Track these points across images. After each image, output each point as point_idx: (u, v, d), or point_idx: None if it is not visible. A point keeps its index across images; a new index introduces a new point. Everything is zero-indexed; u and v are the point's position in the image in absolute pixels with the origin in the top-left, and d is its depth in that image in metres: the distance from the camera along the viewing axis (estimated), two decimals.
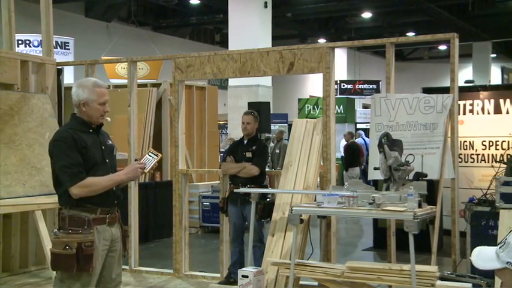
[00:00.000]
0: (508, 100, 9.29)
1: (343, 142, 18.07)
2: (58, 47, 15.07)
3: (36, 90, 9.04)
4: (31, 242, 8.87)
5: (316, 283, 7.24)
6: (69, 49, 17.83)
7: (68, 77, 11.15)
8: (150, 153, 4.75)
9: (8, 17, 9.03)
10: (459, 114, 7.94)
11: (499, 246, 2.02)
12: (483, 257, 2.05)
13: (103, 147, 4.70)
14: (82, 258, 4.41)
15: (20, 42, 12.60)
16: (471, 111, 9.51)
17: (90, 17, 23.29)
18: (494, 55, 31.23)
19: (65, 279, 4.54)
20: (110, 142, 4.85)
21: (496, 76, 30.14)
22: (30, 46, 15.01)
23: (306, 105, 19.90)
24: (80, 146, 4.50)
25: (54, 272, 4.64)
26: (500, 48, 30.57)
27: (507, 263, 1.93)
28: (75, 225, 4.50)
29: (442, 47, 30.57)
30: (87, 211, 4.52)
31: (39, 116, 8.61)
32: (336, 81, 7.05)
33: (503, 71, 29.93)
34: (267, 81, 14.16)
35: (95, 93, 4.63)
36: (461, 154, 8.66)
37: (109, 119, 4.96)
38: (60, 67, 9.76)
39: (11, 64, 8.79)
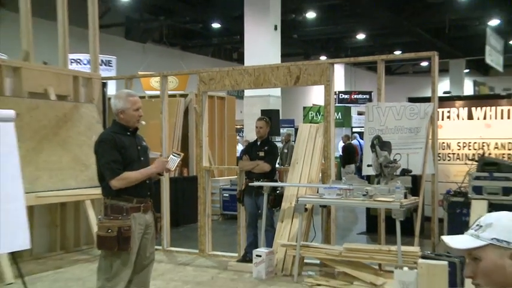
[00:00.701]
0: (478, 108, 9.34)
1: (341, 143, 18.03)
2: (103, 65, 15.10)
3: (85, 100, 9.09)
4: (82, 225, 8.96)
5: (318, 262, 7.21)
6: (112, 66, 17.90)
7: (111, 89, 11.16)
8: (173, 154, 4.83)
9: (63, 41, 9.09)
10: (438, 120, 7.89)
11: (473, 229, 1.96)
12: (459, 239, 1.99)
13: (139, 148, 4.78)
14: (121, 240, 4.49)
15: (72, 61, 12.61)
16: (448, 117, 9.51)
17: (129, 39, 23.35)
18: (467, 70, 31.26)
19: (108, 257, 4.61)
20: (144, 144, 4.92)
21: (468, 88, 30.21)
22: (80, 64, 15.11)
23: (310, 112, 19.87)
24: (119, 146, 4.59)
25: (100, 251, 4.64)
26: (472, 64, 30.61)
27: (492, 239, 1.88)
28: (116, 212, 4.59)
29: (424, 63, 30.58)
30: (124, 201, 4.59)
31: (88, 121, 8.66)
32: (335, 92, 7.02)
33: (475, 84, 30.31)
34: (276, 92, 14.11)
35: (128, 102, 4.71)
36: (440, 153, 8.61)
37: (144, 122, 4.97)
38: (104, 81, 9.82)
39: (65, 79, 8.91)
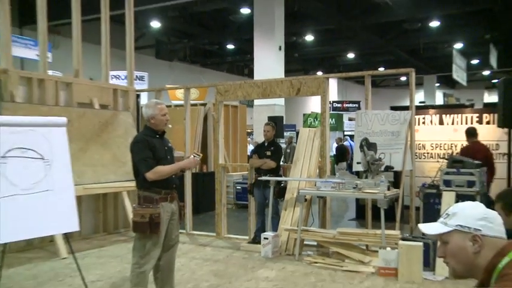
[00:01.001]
0: (448, 115, 9.42)
1: (335, 144, 17.99)
2: (137, 79, 15.14)
3: (122, 109, 9.14)
4: (120, 212, 9.04)
5: (315, 243, 7.20)
6: (144, 80, 17.95)
7: (144, 99, 11.18)
8: (194, 154, 4.90)
9: (105, 61, 9.15)
10: (415, 125, 7.86)
11: (443, 217, 2.00)
12: (431, 226, 2.04)
13: (166, 148, 4.83)
14: (152, 225, 4.55)
15: (112, 76, 12.67)
16: (423, 122, 9.52)
17: (158, 58, 23.39)
18: (438, 84, 31.20)
19: (141, 239, 4.65)
20: (170, 145, 4.98)
21: (439, 99, 30.26)
22: (119, 79, 15.13)
23: (309, 118, 19.80)
24: (150, 146, 4.65)
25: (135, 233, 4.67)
26: (442, 79, 30.54)
27: (456, 225, 1.93)
28: (147, 202, 4.63)
29: (403, 78, 30.46)
30: (155, 192, 4.63)
31: (124, 126, 8.71)
32: (330, 102, 7.01)
33: (444, 95, 30.73)
34: (281, 101, 14.10)
35: (157, 109, 4.75)
36: (417, 153, 8.61)
37: (170, 125, 5.03)
38: (138, 93, 9.84)
39: (106, 92, 8.99)
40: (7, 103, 7.20)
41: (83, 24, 8.69)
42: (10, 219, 4.19)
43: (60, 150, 4.63)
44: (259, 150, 7.96)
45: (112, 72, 10.31)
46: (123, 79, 14.13)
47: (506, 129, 8.10)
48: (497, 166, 8.22)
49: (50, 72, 8.74)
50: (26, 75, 7.81)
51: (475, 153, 7.48)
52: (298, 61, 26.61)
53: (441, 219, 2.02)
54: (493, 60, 18.44)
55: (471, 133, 8.10)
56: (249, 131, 17.07)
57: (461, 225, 1.93)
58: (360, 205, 9.51)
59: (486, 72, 28.32)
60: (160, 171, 4.58)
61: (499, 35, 19.13)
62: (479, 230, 1.90)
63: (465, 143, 8.51)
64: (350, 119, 23.98)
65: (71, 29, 8.63)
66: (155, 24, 19.09)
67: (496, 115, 8.41)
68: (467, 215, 1.95)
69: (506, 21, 16.83)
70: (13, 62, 7.73)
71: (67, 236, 5.10)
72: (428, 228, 2.05)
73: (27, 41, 15.15)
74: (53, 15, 9.62)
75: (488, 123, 9.05)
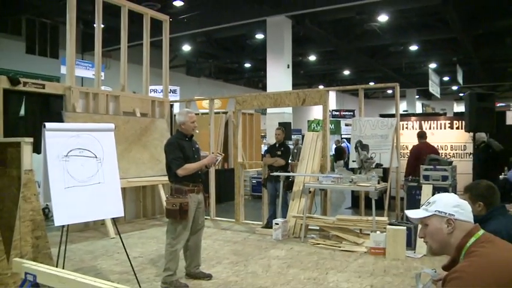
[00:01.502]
0: (426, 122, 9.39)
1: (334, 146, 17.91)
2: (171, 92, 15.19)
3: (159, 116, 9.16)
4: (157, 201, 9.03)
5: (318, 228, 7.17)
6: (176, 93, 18.06)
7: (176, 109, 11.20)
8: (217, 154, 5.02)
9: (146, 78, 9.19)
10: (400, 129, 7.82)
11: (425, 205, 2.04)
12: (415, 212, 2.07)
13: (193, 149, 4.83)
14: (182, 212, 4.58)
15: (151, 90, 12.74)
16: (406, 127, 9.46)
17: (188, 75, 23.44)
18: (417, 96, 31.03)
19: (173, 223, 4.68)
20: (197, 146, 4.99)
21: (419, 108, 30.11)
22: (156, 92, 15.21)
23: (312, 124, 19.69)
24: (180, 147, 4.68)
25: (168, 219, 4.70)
26: (420, 92, 30.42)
27: (435, 211, 1.98)
28: (178, 193, 4.64)
29: (389, 91, 30.32)
30: (184, 185, 4.66)
31: (160, 131, 8.72)
32: (330, 110, 7.00)
33: (423, 105, 30.65)
34: (289, 110, 14.06)
35: (188, 117, 4.76)
36: (401, 152, 8.51)
37: (197, 131, 5.04)
38: (171, 103, 9.86)
39: (146, 102, 9.01)
40: (69, 113, 7.30)
41: (129, 49, 8.76)
42: (72, 205, 4.25)
43: (109, 151, 4.66)
44: (271, 150, 7.94)
45: (151, 87, 10.35)
46: (159, 92, 14.19)
47: (471, 133, 8.11)
48: (464, 163, 8.35)
49: (103, 88, 8.81)
50: (84, 91, 7.90)
51: (424, 151, 7.56)
52: (304, 77, 26.53)
53: (423, 206, 2.07)
54: (460, 78, 19.37)
55: (421, 135, 8.19)
56: (262, 134, 17.05)
57: (439, 211, 1.98)
58: (355, 196, 9.46)
59: (455, 87, 28.62)
60: (188, 168, 4.60)
61: (464, 58, 19.95)
62: (453, 215, 1.96)
63: (440, 145, 8.55)
64: (346, 125, 23.84)
65: (120, 53, 8.71)
66: (186, 47, 19.18)
67: (463, 122, 8.48)
68: (444, 202, 2.00)
69: (467, 48, 17.61)
70: (75, 81, 7.83)
71: (114, 220, 5.13)
72: (413, 214, 2.09)
73: (87, 63, 15.41)
74: (106, 43, 9.84)
75: (457, 128, 9.03)
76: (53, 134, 4.29)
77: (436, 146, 8.24)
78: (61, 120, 6.92)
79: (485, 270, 1.75)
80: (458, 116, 10.03)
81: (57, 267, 4.03)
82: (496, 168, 8.16)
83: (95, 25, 8.30)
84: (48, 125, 4.31)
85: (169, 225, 4.73)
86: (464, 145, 8.93)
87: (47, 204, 7.38)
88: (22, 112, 7.21)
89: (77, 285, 2.32)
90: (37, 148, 5.68)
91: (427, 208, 2.02)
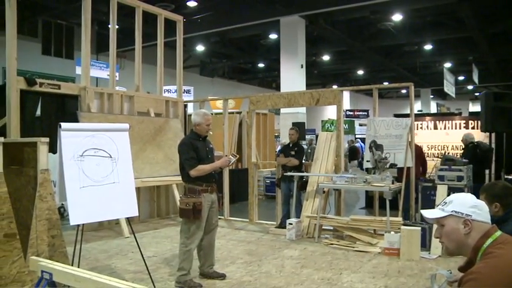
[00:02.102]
0: (441, 122, 9.33)
1: (347, 145, 17.85)
2: (185, 92, 15.24)
3: (173, 116, 9.18)
4: (170, 201, 9.06)
5: (331, 228, 7.13)
6: (190, 93, 18.08)
7: (190, 109, 11.28)
8: (232, 155, 4.97)
9: (160, 78, 9.22)
10: (415, 129, 7.75)
11: (441, 205, 2.01)
12: (431, 212, 2.05)
13: (207, 149, 4.82)
14: (195, 212, 4.59)
15: (165, 90, 12.82)
16: (421, 127, 9.40)
17: (202, 75, 23.56)
18: (432, 96, 30.78)
19: (187, 223, 4.69)
20: (211, 146, 4.99)
21: (433, 108, 29.83)
22: (170, 92, 15.26)
23: (326, 124, 19.62)
24: (194, 147, 4.67)
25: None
26: (435, 92, 30.19)
27: (452, 211, 1.95)
28: (191, 192, 4.65)
29: (404, 91, 30.11)
30: (197, 185, 4.66)
31: (174, 131, 8.74)
32: (344, 110, 6.96)
33: (437, 105, 30.30)
34: (303, 110, 14.02)
35: (204, 119, 4.76)
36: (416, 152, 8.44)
37: (211, 132, 5.03)
38: (185, 103, 9.88)
39: (160, 102, 9.04)
40: (84, 113, 7.37)
41: (143, 50, 8.80)
42: (87, 205, 4.29)
43: (124, 150, 4.69)
44: (285, 150, 7.92)
45: (165, 87, 10.42)
46: (173, 92, 14.26)
47: (487, 133, 8.03)
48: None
49: (117, 88, 8.88)
50: (99, 91, 7.96)
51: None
52: (317, 77, 26.46)
53: (439, 206, 2.04)
54: (475, 77, 19.18)
55: None
56: (276, 134, 17.05)
57: (455, 211, 1.95)
58: (369, 196, 9.41)
59: (470, 87, 28.39)
60: (201, 169, 4.61)
61: (479, 57, 19.71)
62: (470, 215, 1.93)
63: (455, 145, 8.46)
64: (360, 125, 23.74)
65: (134, 53, 8.75)
66: (200, 47, 19.25)
67: (479, 122, 8.38)
68: (461, 203, 1.97)
69: (483, 47, 17.36)
70: (90, 81, 7.90)
71: (129, 220, 5.17)
72: (429, 214, 2.06)
73: (101, 64, 15.56)
74: (121, 43, 9.92)
75: (473, 128, 8.96)
76: (69, 134, 4.33)
77: (450, 146, 8.18)
78: (76, 120, 7.00)
79: (502, 272, 1.72)
80: (473, 115, 9.93)
81: (72, 265, 4.08)
82: (483, 167, 8.04)
83: (109, 26, 8.38)
84: (63, 125, 4.35)
85: (183, 225, 4.75)
86: None
87: (62, 204, 7.50)
88: (38, 112, 7.30)
89: (92, 284, 2.34)
90: (53, 148, 5.76)
91: (444, 208, 1.99)
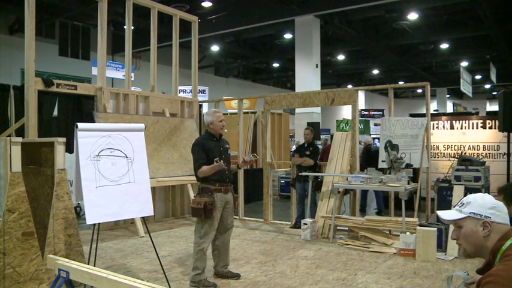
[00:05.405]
0: (457, 121, 9.14)
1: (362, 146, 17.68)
2: (200, 93, 15.30)
3: (188, 116, 9.20)
4: (185, 200, 9.08)
5: (346, 228, 7.08)
6: (205, 93, 18.15)
7: (205, 109, 11.31)
8: (252, 155, 5.00)
9: (175, 78, 9.25)
10: (431, 129, 7.68)
11: (458, 206, 1.98)
12: (447, 213, 2.02)
13: (221, 149, 4.82)
14: (206, 211, 4.62)
15: (180, 90, 12.86)
16: (437, 127, 9.26)
17: (217, 75, 23.65)
18: (448, 95, 30.48)
19: (199, 222, 4.72)
20: (227, 146, 4.99)
21: (450, 107, 29.51)
22: (185, 92, 15.28)
23: (341, 123, 19.53)
24: (206, 148, 4.70)
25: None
26: (451, 91, 29.99)
27: (470, 213, 1.92)
28: (204, 192, 4.69)
29: (419, 90, 29.83)
30: (210, 184, 4.69)
31: (189, 131, 8.76)
32: (359, 110, 6.89)
33: (454, 104, 29.87)
34: (318, 110, 13.97)
35: (215, 117, 4.77)
36: (431, 152, 8.35)
37: (226, 130, 5.04)
38: (200, 103, 9.90)
39: (175, 103, 9.04)
40: (100, 113, 7.43)
41: (158, 50, 8.86)
42: (103, 204, 4.32)
43: (139, 150, 4.72)
44: (300, 150, 7.89)
45: (180, 87, 10.47)
46: (188, 92, 14.33)
47: (505, 133, 7.90)
48: (498, 164, 8.18)
49: (133, 88, 8.94)
50: (115, 91, 8.01)
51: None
52: (332, 76, 26.38)
53: (456, 207, 2.00)
54: (493, 76, 18.85)
55: None
56: (291, 134, 16.99)
57: (474, 213, 1.92)
58: (384, 196, 9.32)
59: (487, 86, 28.08)
60: (202, 171, 4.61)
61: (497, 55, 19.48)
62: (489, 217, 1.90)
63: (472, 145, 8.39)
64: (375, 124, 23.51)
65: (149, 54, 8.81)
66: (214, 48, 19.30)
67: (497, 121, 8.29)
68: (479, 204, 1.93)
69: (501, 45, 17.16)
70: (106, 81, 7.97)
71: (144, 219, 5.20)
72: (446, 215, 2.02)
73: (117, 64, 15.72)
74: (136, 44, 9.98)
75: (490, 128, 8.81)
76: (85, 134, 4.37)
77: (467, 146, 8.09)
78: (92, 121, 7.07)
79: None
80: (491, 115, 9.78)
81: (88, 264, 4.12)
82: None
83: (125, 27, 8.45)
84: (80, 125, 4.40)
85: (196, 224, 4.77)
86: (498, 145, 8.70)
87: (78, 203, 7.57)
88: (55, 113, 7.40)
89: (108, 283, 2.36)
90: (69, 148, 5.83)
91: (461, 209, 1.96)
